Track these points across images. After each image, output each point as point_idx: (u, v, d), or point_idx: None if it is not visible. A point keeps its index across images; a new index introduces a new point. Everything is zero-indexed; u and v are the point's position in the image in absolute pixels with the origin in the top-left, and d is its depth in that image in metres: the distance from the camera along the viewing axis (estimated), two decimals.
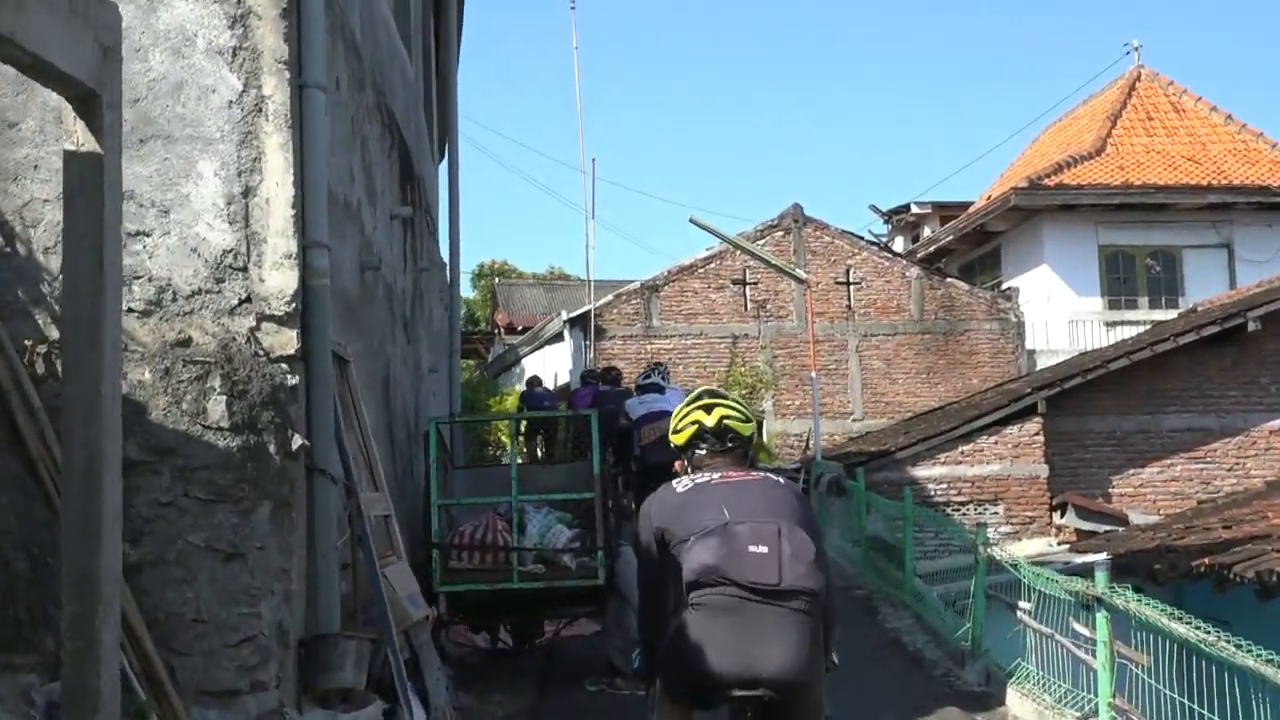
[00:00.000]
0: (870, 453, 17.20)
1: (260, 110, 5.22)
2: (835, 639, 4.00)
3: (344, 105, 6.43)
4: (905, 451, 16.40)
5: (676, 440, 4.11)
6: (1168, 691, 5.92)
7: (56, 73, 2.98)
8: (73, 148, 3.19)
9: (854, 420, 23.81)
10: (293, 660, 5.05)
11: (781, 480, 4.01)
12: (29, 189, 5.04)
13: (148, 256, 5.14)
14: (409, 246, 8.92)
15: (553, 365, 24.76)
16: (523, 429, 16.94)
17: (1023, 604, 7.88)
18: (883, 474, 15.98)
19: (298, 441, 5.12)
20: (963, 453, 16.36)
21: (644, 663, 4.03)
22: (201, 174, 5.19)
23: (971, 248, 27.84)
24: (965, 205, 30.20)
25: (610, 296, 24.00)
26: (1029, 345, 24.39)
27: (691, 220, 16.63)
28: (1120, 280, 24.83)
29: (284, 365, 5.14)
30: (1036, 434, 16.34)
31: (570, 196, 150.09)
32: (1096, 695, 6.58)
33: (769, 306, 23.97)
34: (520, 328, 35.37)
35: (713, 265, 23.97)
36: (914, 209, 33.45)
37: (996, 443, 16.36)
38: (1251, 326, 16.33)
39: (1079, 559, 13.17)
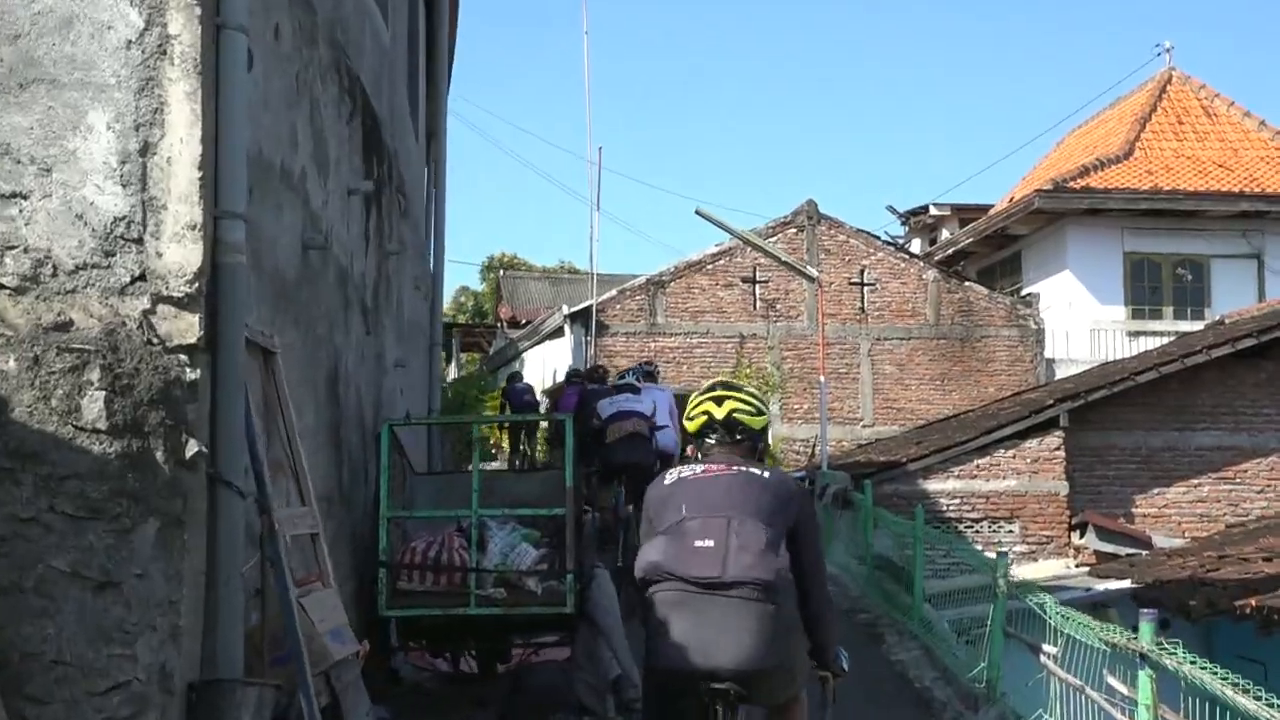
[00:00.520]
0: (879, 463, 16.31)
1: (164, 53, 4.37)
2: (834, 635, 4.12)
3: (285, 59, 5.58)
4: (917, 464, 15.52)
5: (689, 427, 4.25)
6: None
7: None
8: None
9: (864, 426, 23.02)
10: (178, 710, 4.21)
11: (766, 475, 4.02)
12: None
13: (24, 223, 4.30)
14: (373, 226, 8.07)
15: (553, 361, 23.96)
16: (504, 429, 16.11)
17: (1047, 647, 7.01)
18: (892, 486, 15.12)
19: (194, 448, 4.27)
20: (978, 466, 15.47)
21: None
22: (92, 126, 4.35)
23: (991, 251, 27.06)
24: (985, 208, 29.39)
25: (614, 291, 23.20)
26: (1048, 354, 23.57)
27: (697, 212, 15.79)
28: (1145, 289, 24.01)
29: (182, 356, 4.30)
30: (1057, 449, 15.45)
31: (582, 190, 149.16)
32: None
33: (779, 306, 23.17)
34: (524, 321, 34.56)
35: (722, 262, 23.17)
36: (932, 210, 32.69)
37: (1014, 456, 15.47)
38: None
39: (1100, 585, 12.32)
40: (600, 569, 7.41)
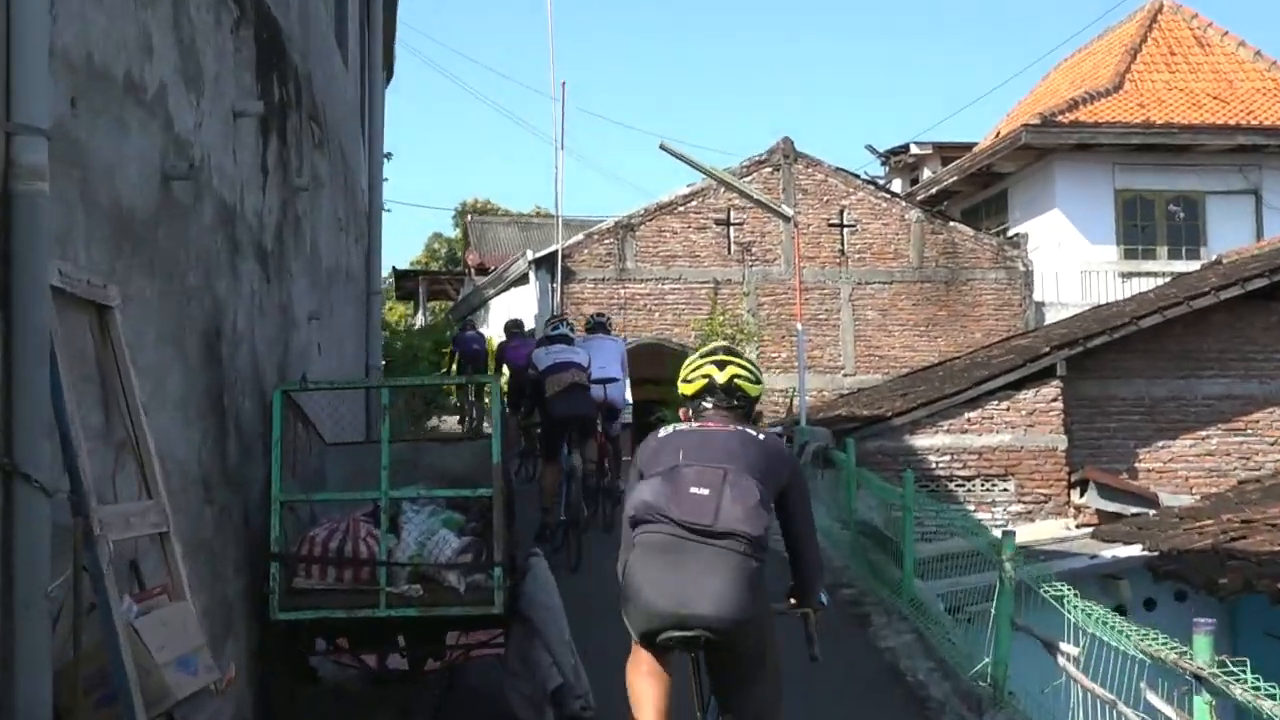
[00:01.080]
0: (863, 417, 15.17)
1: None
2: (820, 583, 4.22)
3: None
4: (902, 418, 14.38)
5: (685, 390, 4.27)
6: None
7: None
8: None
9: (845, 375, 21.96)
10: None
11: (762, 436, 4.11)
12: None
13: None
14: (273, 157, 6.84)
15: (518, 310, 22.74)
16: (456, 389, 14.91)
17: (1066, 646, 5.92)
18: (876, 443, 14.03)
19: None
20: (969, 420, 14.36)
21: None
22: None
23: (976, 190, 25.93)
24: (969, 147, 28.21)
25: (580, 236, 21.96)
26: (1037, 297, 22.49)
27: (661, 146, 14.43)
28: (1137, 228, 22.96)
29: None
30: (1054, 400, 14.35)
31: (550, 131, 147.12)
32: None
33: (755, 250, 21.99)
34: (493, 268, 33.28)
35: (694, 203, 21.93)
36: (914, 149, 31.47)
37: (1008, 409, 14.36)
38: None
39: (1107, 551, 11.28)
40: (537, 557, 6.28)
